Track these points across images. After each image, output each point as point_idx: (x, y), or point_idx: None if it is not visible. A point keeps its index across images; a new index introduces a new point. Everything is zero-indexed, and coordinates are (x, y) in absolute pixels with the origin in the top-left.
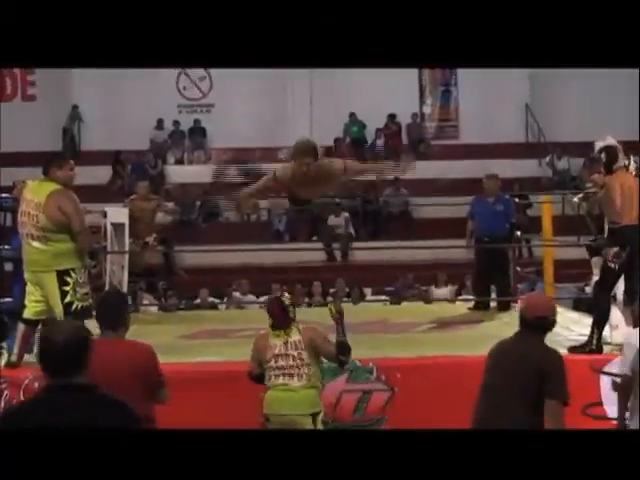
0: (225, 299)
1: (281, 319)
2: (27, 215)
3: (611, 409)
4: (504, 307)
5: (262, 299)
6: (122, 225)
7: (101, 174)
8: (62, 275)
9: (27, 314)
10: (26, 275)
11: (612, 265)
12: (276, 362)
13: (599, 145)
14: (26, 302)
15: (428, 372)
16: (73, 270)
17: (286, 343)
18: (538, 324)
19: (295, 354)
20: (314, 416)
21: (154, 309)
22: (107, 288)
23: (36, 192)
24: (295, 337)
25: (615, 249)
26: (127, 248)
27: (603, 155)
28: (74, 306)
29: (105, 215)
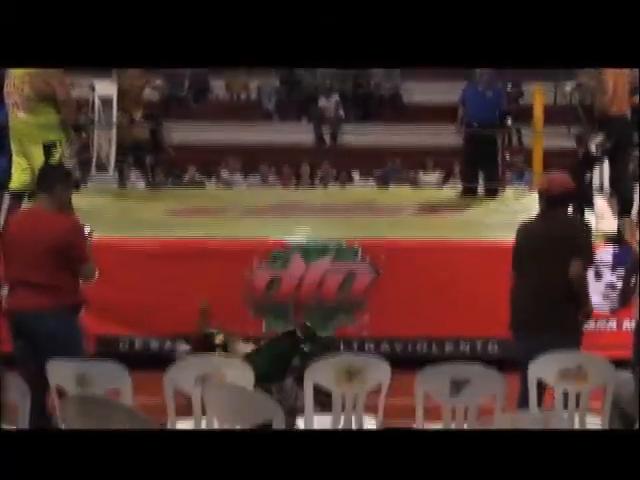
0: (213, 178)
1: None
2: (12, 86)
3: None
4: (491, 193)
5: (250, 178)
6: (110, 99)
7: None
8: (49, 147)
9: (14, 184)
10: (12, 146)
11: (595, 153)
12: None
13: None
14: (12, 172)
15: (414, 255)
16: (60, 142)
17: None
18: (564, 198)
19: None
20: None
21: (141, 185)
22: (94, 162)
23: None
24: None
25: (600, 137)
26: (115, 122)
27: None
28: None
29: (93, 88)
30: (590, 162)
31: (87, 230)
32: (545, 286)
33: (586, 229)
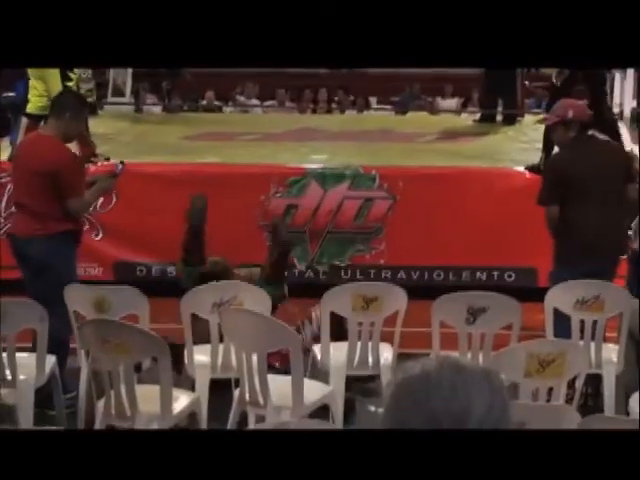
0: (230, 103)
1: None
2: None
3: None
4: (510, 120)
5: (267, 103)
6: None
7: None
8: (65, 71)
9: (30, 109)
10: (30, 70)
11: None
12: None
13: None
14: (29, 97)
15: (431, 182)
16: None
17: None
18: (590, 124)
19: None
20: None
21: (157, 109)
22: (110, 86)
23: None
24: None
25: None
26: None
27: None
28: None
29: None
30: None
31: (117, 164)
32: (609, 213)
33: (631, 153)
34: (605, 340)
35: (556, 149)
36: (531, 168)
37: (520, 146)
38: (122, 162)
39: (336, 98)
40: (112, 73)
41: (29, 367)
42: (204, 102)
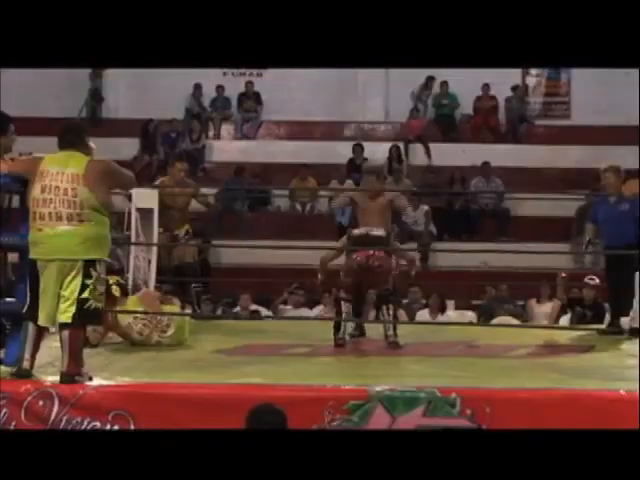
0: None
1: None
2: (54, 190)
3: None
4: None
5: (315, 311)
6: (150, 211)
7: (126, 148)
8: (88, 266)
9: (62, 318)
10: (40, 267)
11: None
12: None
13: None
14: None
15: (526, 407)
16: (99, 262)
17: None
18: None
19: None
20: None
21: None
22: (130, 286)
23: (65, 163)
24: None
25: None
26: (156, 239)
27: None
28: (88, 304)
29: (130, 198)
30: None
31: None
32: None
33: None
34: None
35: None
36: None
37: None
38: None
39: (404, 301)
40: (132, 268)
41: None
42: (239, 308)
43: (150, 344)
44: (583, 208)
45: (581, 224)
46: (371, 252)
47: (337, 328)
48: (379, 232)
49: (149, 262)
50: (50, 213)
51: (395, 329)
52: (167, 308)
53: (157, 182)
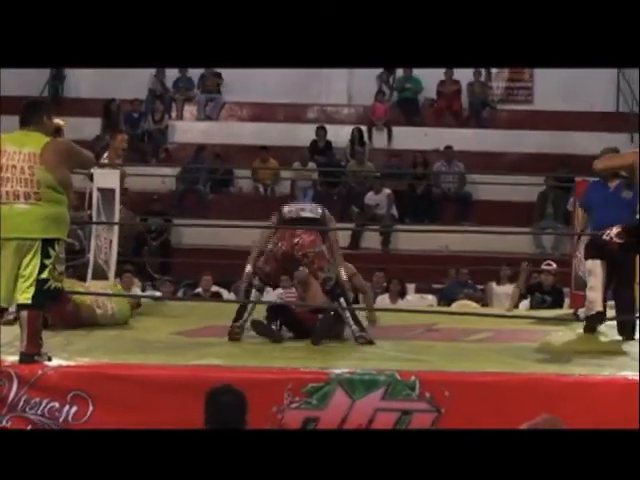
0: (232, 288)
1: None
2: (10, 169)
3: None
4: (626, 330)
5: (277, 292)
6: (112, 191)
7: (88, 127)
8: (47, 245)
9: (21, 298)
10: None
11: None
12: None
13: None
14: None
15: (485, 391)
16: (58, 242)
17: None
18: None
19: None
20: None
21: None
22: (91, 266)
23: (22, 142)
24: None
25: None
26: (117, 219)
27: None
28: (48, 284)
29: (91, 178)
30: None
31: None
32: None
33: None
34: None
35: None
36: None
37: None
38: None
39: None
40: (93, 249)
41: None
42: (200, 289)
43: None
44: (545, 193)
45: (542, 209)
46: (296, 240)
47: (239, 316)
48: (312, 213)
49: (110, 242)
50: (7, 192)
51: (360, 325)
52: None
53: (104, 158)
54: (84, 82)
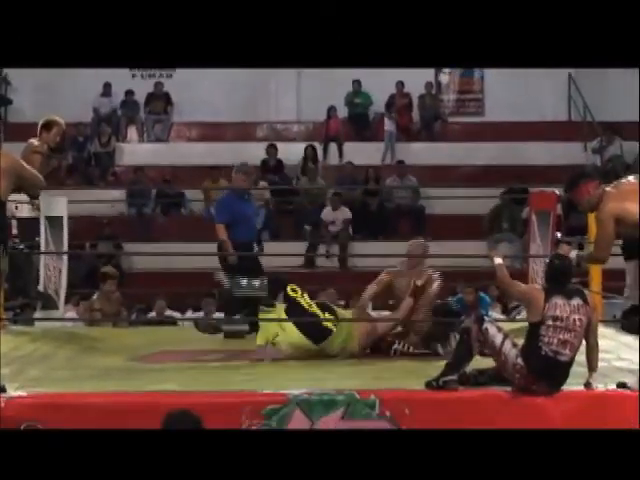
0: (188, 312)
1: None
2: None
3: None
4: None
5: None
6: (60, 218)
7: None
8: None
9: None
10: None
11: None
12: None
13: None
14: None
15: (446, 408)
16: None
17: None
18: None
19: None
20: None
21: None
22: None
23: None
24: None
25: None
26: (66, 247)
27: None
28: None
29: (35, 205)
30: None
31: None
32: None
33: None
34: None
35: None
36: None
37: None
38: None
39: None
40: (43, 279)
41: None
42: (154, 313)
43: None
44: (499, 205)
45: (497, 221)
46: None
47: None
48: None
49: (60, 271)
50: None
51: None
52: None
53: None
54: (28, 106)
